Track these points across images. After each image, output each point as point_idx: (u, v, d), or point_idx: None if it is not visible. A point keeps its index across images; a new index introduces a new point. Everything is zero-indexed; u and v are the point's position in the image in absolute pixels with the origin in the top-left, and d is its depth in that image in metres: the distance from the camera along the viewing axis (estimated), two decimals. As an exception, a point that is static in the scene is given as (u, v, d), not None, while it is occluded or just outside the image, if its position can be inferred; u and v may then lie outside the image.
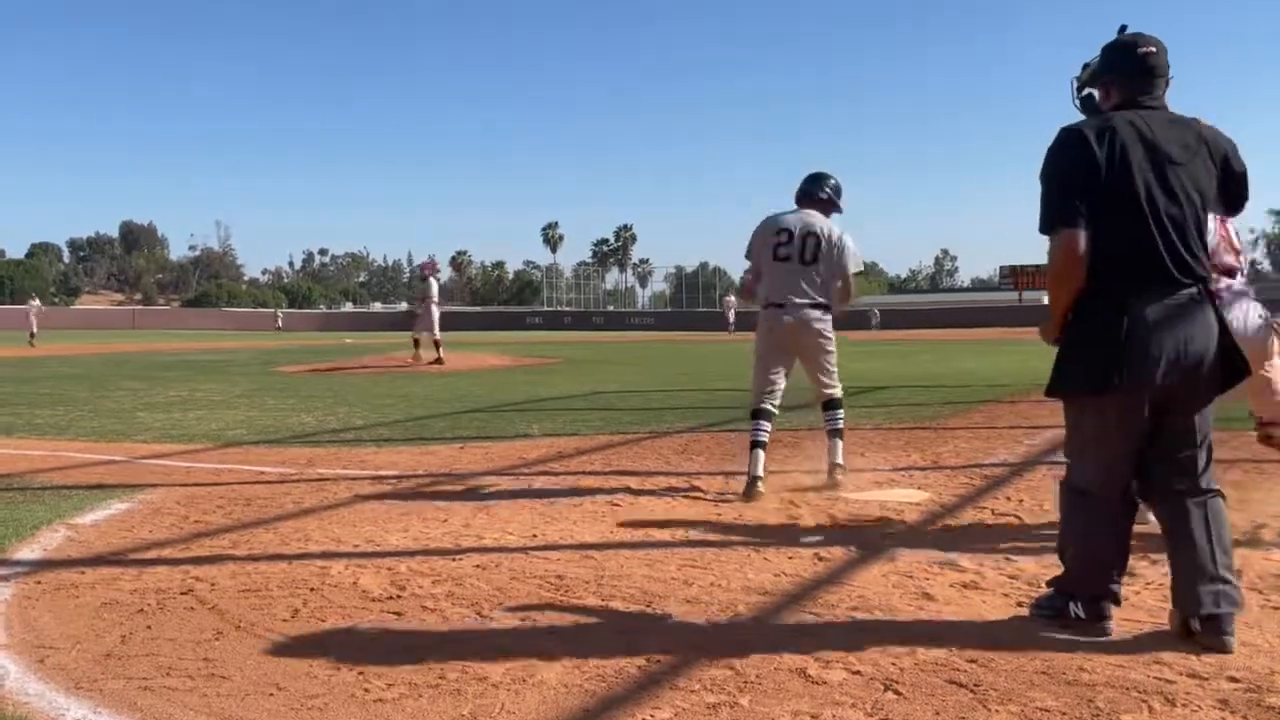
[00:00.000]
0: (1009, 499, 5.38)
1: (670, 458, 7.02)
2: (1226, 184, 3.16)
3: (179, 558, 4.31)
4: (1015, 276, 63.38)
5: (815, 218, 5.69)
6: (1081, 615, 3.16)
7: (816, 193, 5.76)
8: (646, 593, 3.67)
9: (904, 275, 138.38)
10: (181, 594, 3.76)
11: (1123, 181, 3.00)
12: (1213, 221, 3.77)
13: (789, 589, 3.70)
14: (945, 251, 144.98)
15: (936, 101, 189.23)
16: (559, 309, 78.32)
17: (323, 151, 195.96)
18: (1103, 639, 3.08)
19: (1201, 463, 3.09)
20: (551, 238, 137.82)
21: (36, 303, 34.78)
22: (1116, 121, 3.05)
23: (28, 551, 4.46)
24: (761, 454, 5.52)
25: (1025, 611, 3.35)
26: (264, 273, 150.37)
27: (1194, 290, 3.02)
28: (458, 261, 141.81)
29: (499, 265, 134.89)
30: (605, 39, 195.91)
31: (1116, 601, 3.18)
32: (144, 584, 3.90)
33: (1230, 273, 4.19)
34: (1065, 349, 3.14)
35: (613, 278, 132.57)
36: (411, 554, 4.32)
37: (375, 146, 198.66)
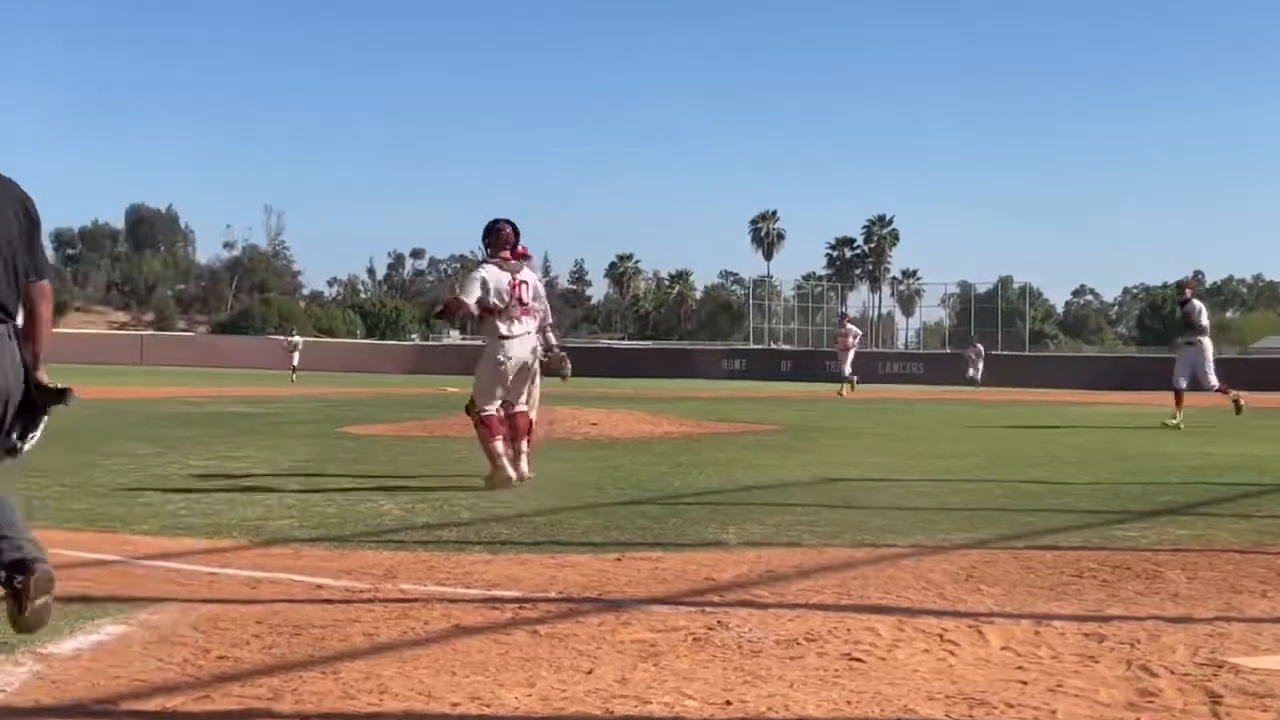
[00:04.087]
0: None
1: (946, 588, 6.89)
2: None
3: (195, 711, 4.46)
4: None
5: None
6: None
7: None
8: (905, 804, 3.60)
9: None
10: (195, 767, 3.90)
11: None
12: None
13: (1140, 810, 3.57)
14: None
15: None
16: (773, 346, 78.49)
17: (413, 122, 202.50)
18: None
19: None
20: (765, 236, 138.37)
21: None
22: None
23: (-23, 693, 4.69)
24: None
25: None
26: (331, 283, 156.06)
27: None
28: (618, 272, 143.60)
29: (681, 278, 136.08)
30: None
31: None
32: (142, 749, 4.05)
33: None
34: None
35: (859, 298, 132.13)
36: (539, 721, 4.36)
37: (478, 109, 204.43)
